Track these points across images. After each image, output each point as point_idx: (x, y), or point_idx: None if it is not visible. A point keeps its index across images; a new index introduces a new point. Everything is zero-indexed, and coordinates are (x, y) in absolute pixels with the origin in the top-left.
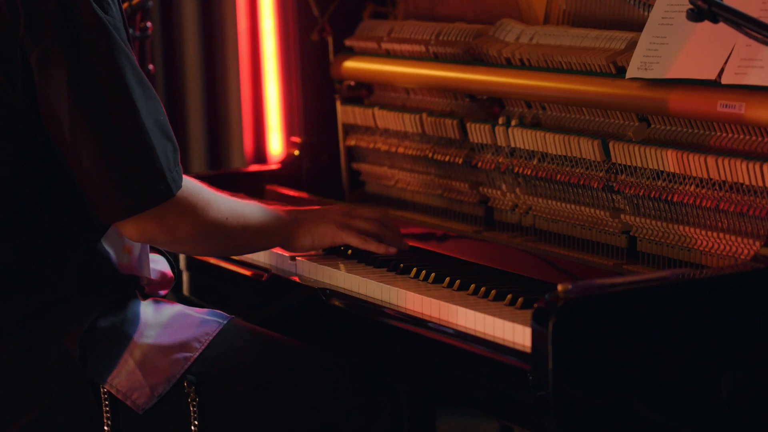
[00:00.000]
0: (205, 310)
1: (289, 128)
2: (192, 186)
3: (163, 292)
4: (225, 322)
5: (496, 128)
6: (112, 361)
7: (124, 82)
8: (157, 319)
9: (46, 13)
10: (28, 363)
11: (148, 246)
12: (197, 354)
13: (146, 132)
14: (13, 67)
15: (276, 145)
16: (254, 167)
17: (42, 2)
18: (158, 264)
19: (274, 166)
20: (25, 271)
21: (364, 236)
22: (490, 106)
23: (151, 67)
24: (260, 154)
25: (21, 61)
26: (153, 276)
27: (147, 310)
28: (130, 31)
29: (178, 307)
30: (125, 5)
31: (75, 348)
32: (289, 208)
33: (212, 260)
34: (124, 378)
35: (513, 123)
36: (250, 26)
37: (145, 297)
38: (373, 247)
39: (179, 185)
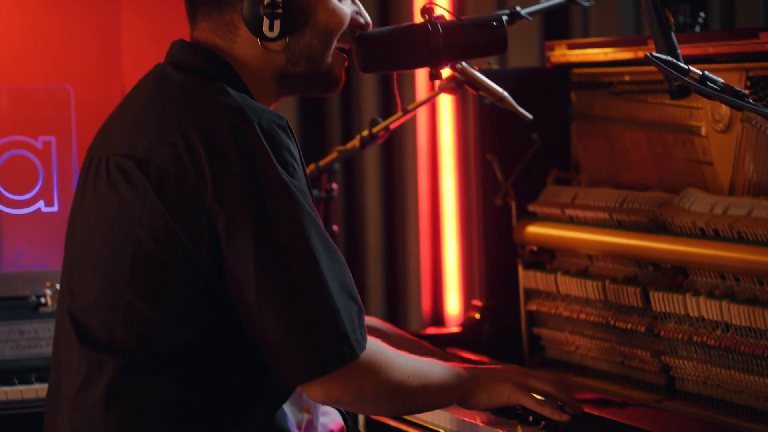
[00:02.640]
0: None
1: (467, 290)
2: (375, 346)
3: None
4: None
5: (680, 297)
6: None
7: (309, 246)
8: None
9: (233, 178)
10: None
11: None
12: None
13: (331, 295)
14: (201, 233)
15: (454, 306)
16: (432, 330)
17: (229, 168)
18: (329, 416)
19: (454, 329)
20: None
21: (539, 399)
22: (674, 275)
23: (335, 227)
24: (437, 315)
25: (208, 226)
26: (325, 430)
27: None
28: (315, 192)
29: None
30: (312, 167)
31: None
32: (466, 365)
33: (392, 422)
34: None
35: (698, 293)
36: (431, 186)
37: None
38: (547, 411)
39: (363, 347)
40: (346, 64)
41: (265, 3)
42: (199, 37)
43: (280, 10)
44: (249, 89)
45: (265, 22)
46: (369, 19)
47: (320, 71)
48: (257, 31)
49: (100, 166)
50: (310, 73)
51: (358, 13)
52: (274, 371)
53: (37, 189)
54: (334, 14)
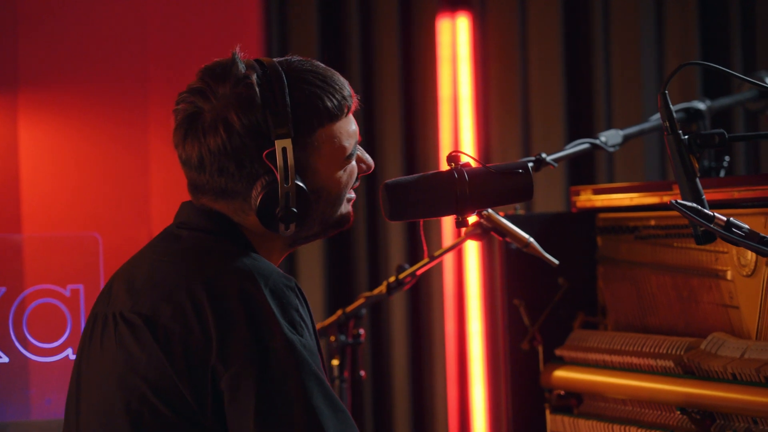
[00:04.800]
0: None
1: None
2: None
3: None
4: None
5: None
6: None
7: (310, 404)
8: None
9: (238, 339)
10: None
11: None
12: None
13: None
14: (204, 391)
15: None
16: None
17: (235, 330)
18: None
19: None
20: None
21: None
22: (701, 420)
23: (362, 373)
24: None
25: (212, 385)
26: None
27: None
28: (342, 338)
29: None
30: (339, 313)
31: None
32: None
33: None
34: None
35: None
36: (457, 330)
37: None
38: None
39: None
40: (353, 200)
41: (279, 214)
42: (206, 203)
43: (295, 211)
44: (257, 251)
45: (281, 225)
46: (371, 162)
47: (331, 223)
48: (273, 229)
49: (107, 323)
50: (323, 229)
51: (361, 159)
52: None
53: (65, 337)
54: (341, 180)
